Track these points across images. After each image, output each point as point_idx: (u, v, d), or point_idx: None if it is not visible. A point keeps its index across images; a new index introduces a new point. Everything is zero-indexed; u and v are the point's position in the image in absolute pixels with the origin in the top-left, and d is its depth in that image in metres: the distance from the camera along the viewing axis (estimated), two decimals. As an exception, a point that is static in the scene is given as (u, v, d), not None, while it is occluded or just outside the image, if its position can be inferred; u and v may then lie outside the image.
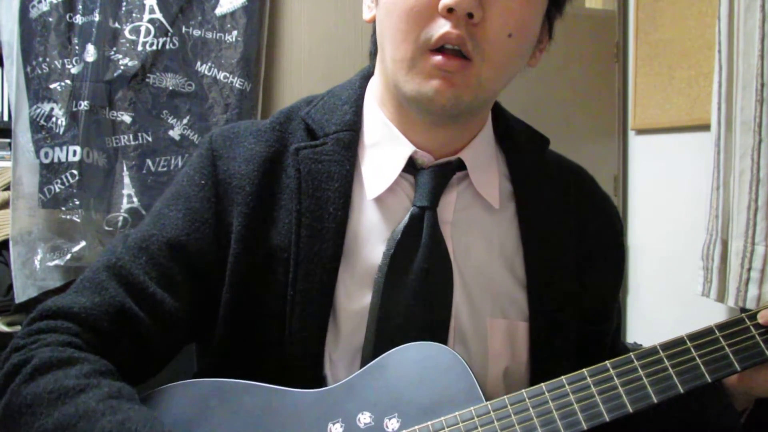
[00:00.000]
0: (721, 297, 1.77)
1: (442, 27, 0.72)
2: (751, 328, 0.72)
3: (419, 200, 0.80)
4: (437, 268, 0.79)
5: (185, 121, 2.02)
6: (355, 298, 0.79)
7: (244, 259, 0.78)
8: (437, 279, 0.79)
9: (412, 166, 0.82)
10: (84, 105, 1.91)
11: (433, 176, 0.81)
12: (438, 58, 0.73)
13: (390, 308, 0.77)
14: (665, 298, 2.19)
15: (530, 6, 0.76)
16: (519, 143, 0.88)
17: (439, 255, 0.79)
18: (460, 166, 0.83)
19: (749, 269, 1.67)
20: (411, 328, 0.77)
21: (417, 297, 0.78)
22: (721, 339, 0.71)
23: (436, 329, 0.78)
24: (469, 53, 0.73)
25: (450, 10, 0.71)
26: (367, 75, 0.89)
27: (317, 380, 0.77)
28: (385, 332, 0.77)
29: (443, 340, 0.77)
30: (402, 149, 0.81)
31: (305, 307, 0.76)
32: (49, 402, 0.65)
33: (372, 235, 0.80)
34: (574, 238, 0.87)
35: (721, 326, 0.72)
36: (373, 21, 0.82)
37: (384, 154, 0.82)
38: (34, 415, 0.65)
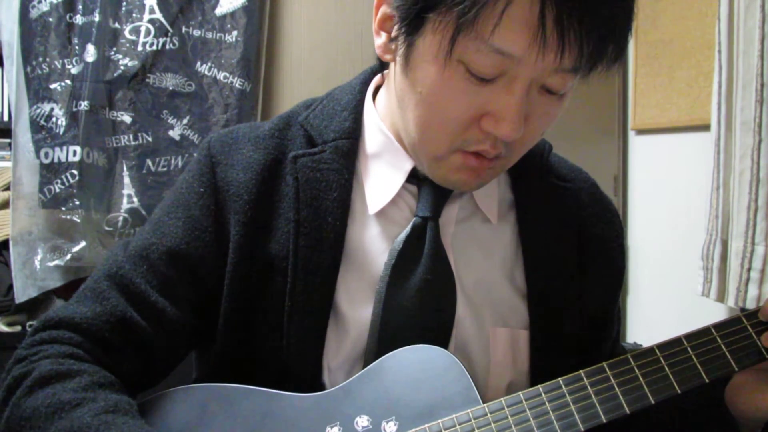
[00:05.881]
0: (721, 297, 1.76)
1: (481, 143, 0.70)
2: (749, 327, 0.71)
3: (422, 210, 0.79)
4: (439, 278, 0.78)
5: (185, 121, 2.02)
6: (357, 308, 0.78)
7: (242, 268, 0.77)
8: (439, 289, 0.78)
9: (414, 177, 0.81)
10: (84, 105, 1.92)
11: (436, 187, 0.80)
12: (470, 160, 0.72)
13: (392, 318, 0.77)
14: (665, 298, 2.19)
15: (565, 102, 0.72)
16: None
17: (441, 265, 0.79)
18: None
19: (749, 269, 1.67)
20: (413, 338, 0.76)
21: (419, 307, 0.77)
22: (718, 339, 0.71)
23: (438, 339, 0.77)
24: (501, 155, 0.72)
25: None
26: (367, 80, 0.87)
27: (315, 389, 0.76)
28: (387, 342, 0.76)
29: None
30: (404, 161, 0.80)
31: (303, 317, 0.76)
32: (46, 416, 0.66)
33: (373, 245, 0.80)
34: (575, 244, 0.86)
35: (719, 326, 0.72)
36: (385, 57, 0.76)
37: (386, 166, 0.81)
38: (33, 428, 0.66)
